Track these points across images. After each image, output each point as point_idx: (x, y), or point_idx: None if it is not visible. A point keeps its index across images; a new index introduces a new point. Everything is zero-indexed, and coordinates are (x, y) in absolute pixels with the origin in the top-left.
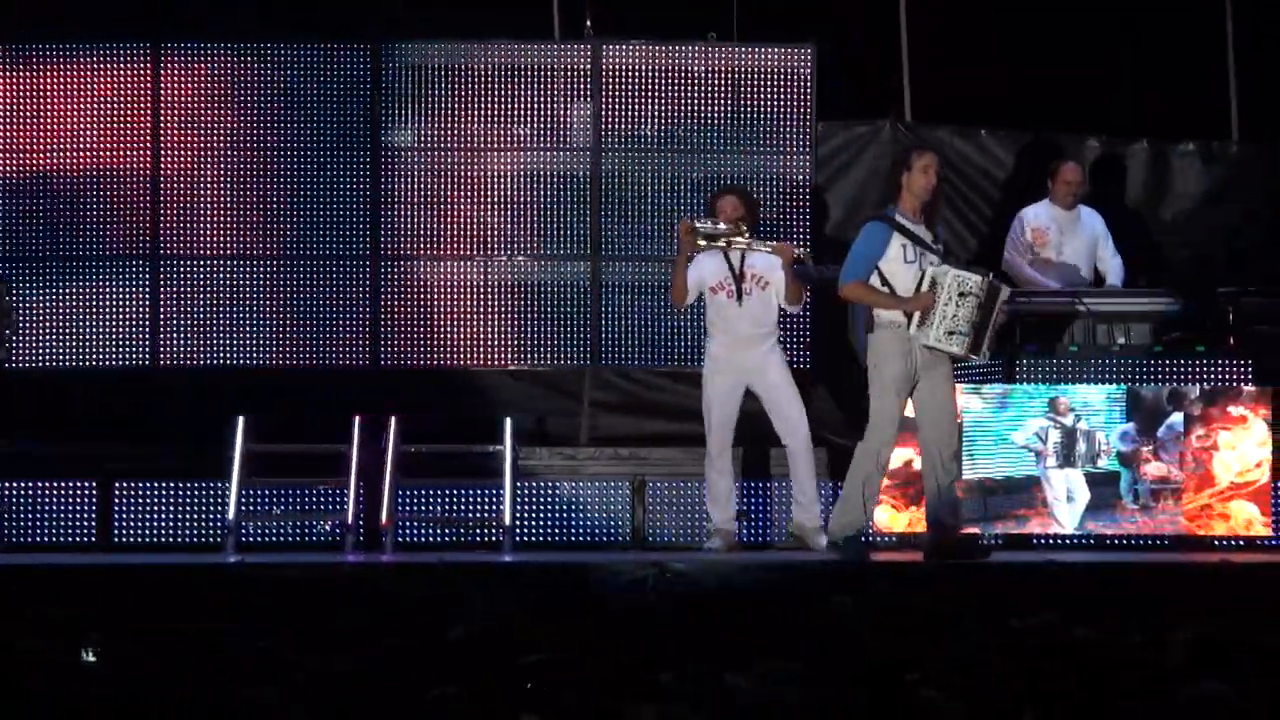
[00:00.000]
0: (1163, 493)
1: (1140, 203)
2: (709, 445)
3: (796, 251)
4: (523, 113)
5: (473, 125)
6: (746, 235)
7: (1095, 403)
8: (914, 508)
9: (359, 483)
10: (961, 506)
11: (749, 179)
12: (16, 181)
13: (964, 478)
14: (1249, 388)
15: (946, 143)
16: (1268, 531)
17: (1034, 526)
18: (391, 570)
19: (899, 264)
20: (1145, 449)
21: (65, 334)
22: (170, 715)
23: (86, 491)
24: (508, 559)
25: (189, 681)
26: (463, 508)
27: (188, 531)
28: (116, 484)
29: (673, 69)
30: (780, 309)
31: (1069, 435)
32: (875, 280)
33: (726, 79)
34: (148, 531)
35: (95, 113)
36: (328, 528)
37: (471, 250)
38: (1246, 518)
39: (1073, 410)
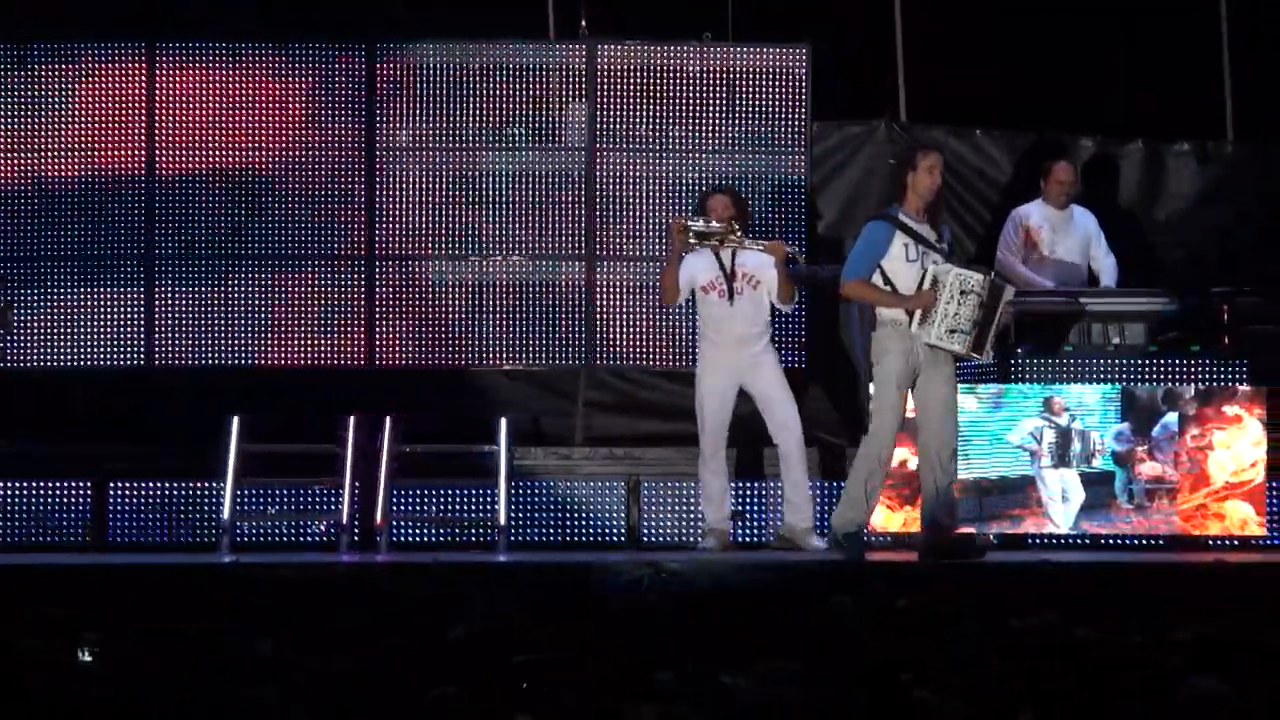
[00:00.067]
0: (1158, 492)
1: (1135, 203)
2: (702, 445)
3: (788, 250)
4: (518, 113)
5: (468, 125)
6: (739, 234)
7: (1090, 402)
8: (909, 507)
9: (354, 483)
10: (957, 507)
11: (744, 179)
12: (11, 182)
13: (959, 478)
14: (1244, 387)
15: (941, 143)
16: (1262, 531)
17: (1029, 526)
18: (386, 570)
19: (901, 262)
20: (1140, 449)
21: (59, 334)
22: (166, 715)
23: (81, 491)
24: (503, 559)
25: (184, 681)
26: (458, 508)
27: (182, 532)
28: (111, 484)
29: (668, 69)
30: (773, 308)
31: (1064, 435)
32: (878, 279)
33: (721, 79)
34: (142, 531)
35: (90, 113)
36: (322, 528)
37: (466, 250)
38: (1241, 517)
39: (1068, 410)
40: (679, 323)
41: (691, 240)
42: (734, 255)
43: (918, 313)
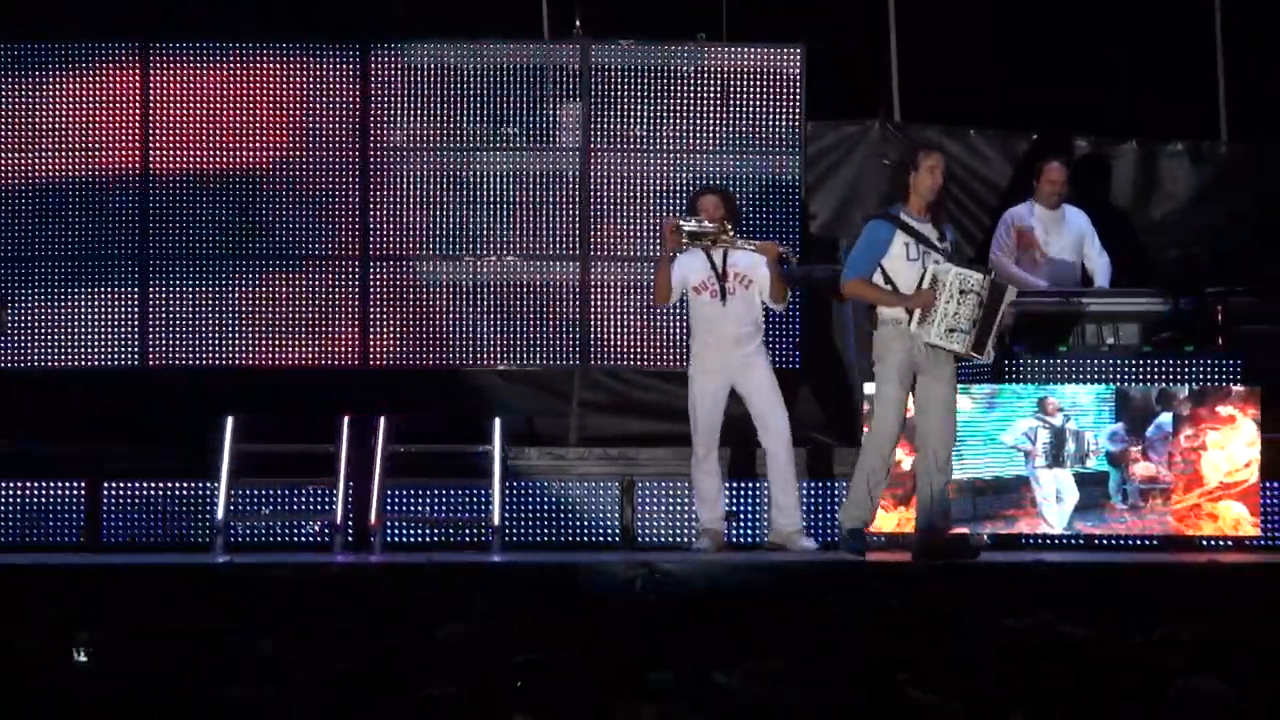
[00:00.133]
0: (1151, 493)
1: (1129, 203)
2: (695, 446)
3: (780, 249)
4: (512, 113)
5: (462, 125)
6: (731, 234)
7: (1084, 403)
8: (903, 508)
9: (348, 483)
10: (951, 507)
11: (738, 179)
12: (6, 182)
13: (953, 478)
14: (1237, 388)
15: (936, 143)
16: (1256, 532)
17: (1023, 527)
18: (381, 571)
19: (902, 261)
20: (1134, 449)
21: (54, 334)
22: (161, 715)
23: (75, 491)
24: (497, 559)
25: (179, 681)
26: (452, 508)
27: (177, 532)
28: (105, 484)
29: (662, 69)
30: (765, 308)
31: (1058, 435)
32: (878, 278)
33: (716, 79)
34: (137, 531)
35: (85, 113)
36: (317, 528)
37: (461, 250)
38: (1235, 518)
39: (1061, 410)
40: (673, 323)
41: (684, 241)
42: (725, 255)
43: (917, 312)
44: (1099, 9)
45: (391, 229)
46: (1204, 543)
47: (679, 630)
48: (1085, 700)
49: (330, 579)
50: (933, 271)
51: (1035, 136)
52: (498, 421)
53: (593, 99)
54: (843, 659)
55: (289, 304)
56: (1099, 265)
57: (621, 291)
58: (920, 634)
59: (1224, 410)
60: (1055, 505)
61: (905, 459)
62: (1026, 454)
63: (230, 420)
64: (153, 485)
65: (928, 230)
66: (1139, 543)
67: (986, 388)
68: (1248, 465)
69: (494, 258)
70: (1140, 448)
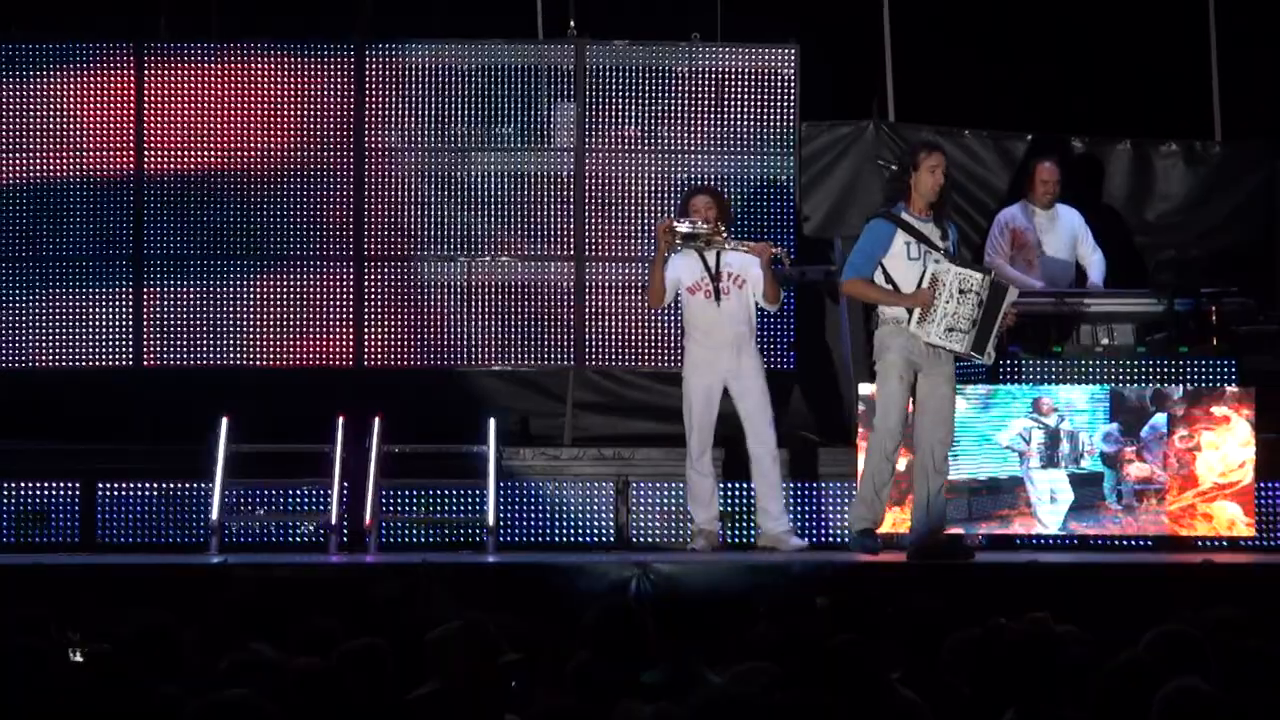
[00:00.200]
0: (1146, 493)
1: (1123, 203)
2: (690, 446)
3: (774, 250)
4: (506, 113)
5: (457, 125)
6: (725, 235)
7: (1079, 403)
8: (898, 508)
9: (342, 483)
10: (947, 508)
11: (732, 179)
12: (1, 182)
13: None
14: (1232, 388)
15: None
16: (1251, 532)
17: (1017, 527)
18: (375, 571)
19: (902, 261)
20: (1128, 449)
21: (49, 335)
22: (155, 714)
23: (69, 491)
24: (491, 559)
25: (172, 681)
26: (446, 508)
27: (171, 532)
28: (99, 484)
29: (656, 69)
30: (758, 307)
31: (1052, 436)
32: (879, 277)
33: (710, 79)
34: (131, 532)
35: (79, 113)
36: (311, 528)
37: (455, 250)
38: (1229, 518)
39: (1056, 411)
40: (668, 323)
41: (677, 242)
42: (719, 255)
43: (917, 311)
44: (1093, 9)
45: (386, 229)
46: (1199, 543)
47: (675, 631)
48: (1077, 701)
49: (325, 579)
50: (933, 271)
51: (1029, 137)
52: (492, 422)
53: (587, 99)
54: (836, 659)
55: (284, 304)
56: (1093, 261)
57: (616, 292)
58: (914, 634)
59: (1218, 411)
60: (1050, 506)
61: (900, 460)
62: (1021, 454)
63: (225, 420)
64: (148, 485)
65: (929, 230)
66: (1134, 543)
67: (981, 388)
68: (1242, 466)
69: (489, 258)
70: (1135, 448)
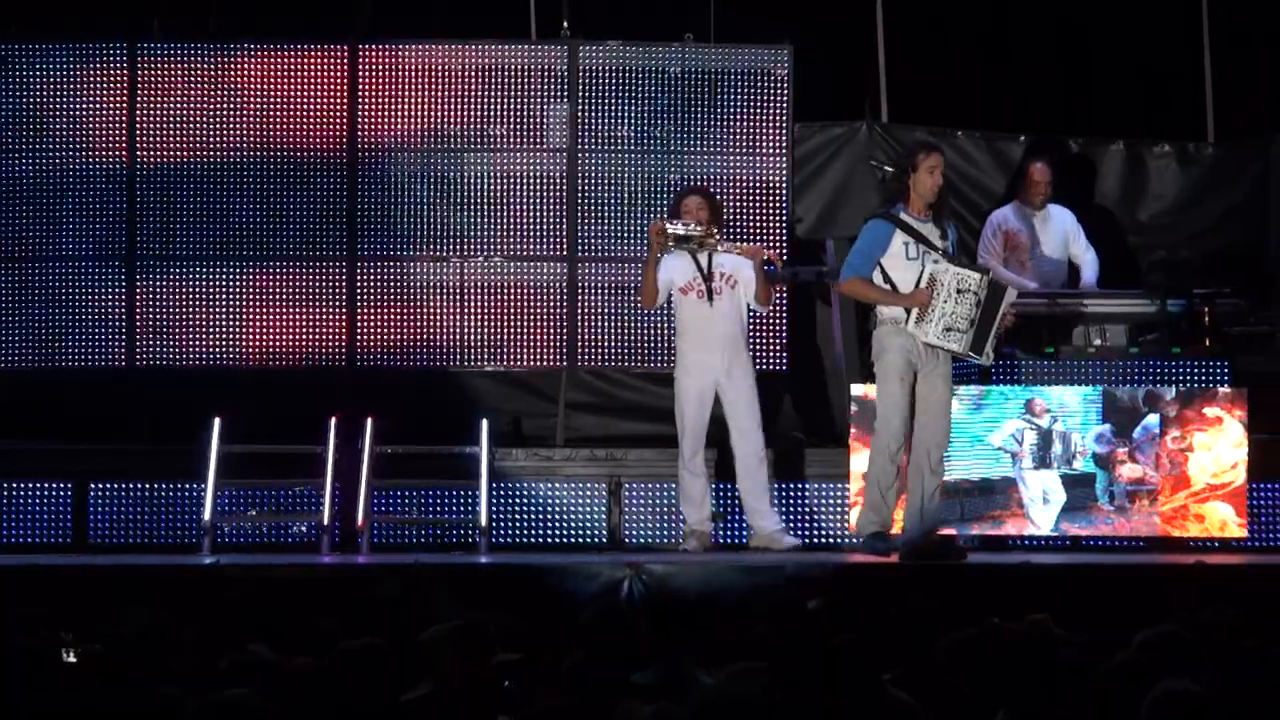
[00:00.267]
0: (1138, 494)
1: (1116, 204)
2: (682, 447)
3: (766, 253)
4: (499, 113)
5: (450, 126)
6: (717, 237)
7: (1071, 404)
8: None
9: (335, 483)
10: (940, 508)
11: (725, 180)
12: None
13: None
14: (1224, 389)
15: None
16: (1243, 533)
17: (1010, 528)
18: (367, 571)
19: (900, 261)
20: (1121, 450)
21: (41, 335)
22: (148, 714)
23: (62, 492)
24: (484, 560)
25: (166, 681)
26: (439, 509)
27: (164, 532)
28: (92, 484)
29: (649, 70)
30: (748, 308)
31: (1045, 437)
32: (878, 277)
33: (703, 80)
34: (123, 532)
35: (73, 113)
36: (303, 529)
37: (448, 251)
38: (1221, 519)
39: (1049, 412)
40: (660, 324)
41: (670, 244)
42: (711, 256)
43: (915, 311)
44: (1087, 11)
45: (379, 229)
46: (1191, 544)
47: (668, 632)
48: (1069, 702)
49: (317, 580)
50: (931, 271)
51: (1022, 138)
52: (485, 422)
53: (580, 100)
54: (829, 660)
55: (276, 304)
56: (1086, 260)
57: (609, 293)
58: (906, 635)
59: (1211, 412)
60: (1042, 507)
61: None
62: (1014, 455)
63: (217, 420)
64: (140, 486)
65: (928, 230)
66: (1126, 544)
67: (974, 389)
68: (1234, 466)
69: (481, 258)
70: (1127, 449)
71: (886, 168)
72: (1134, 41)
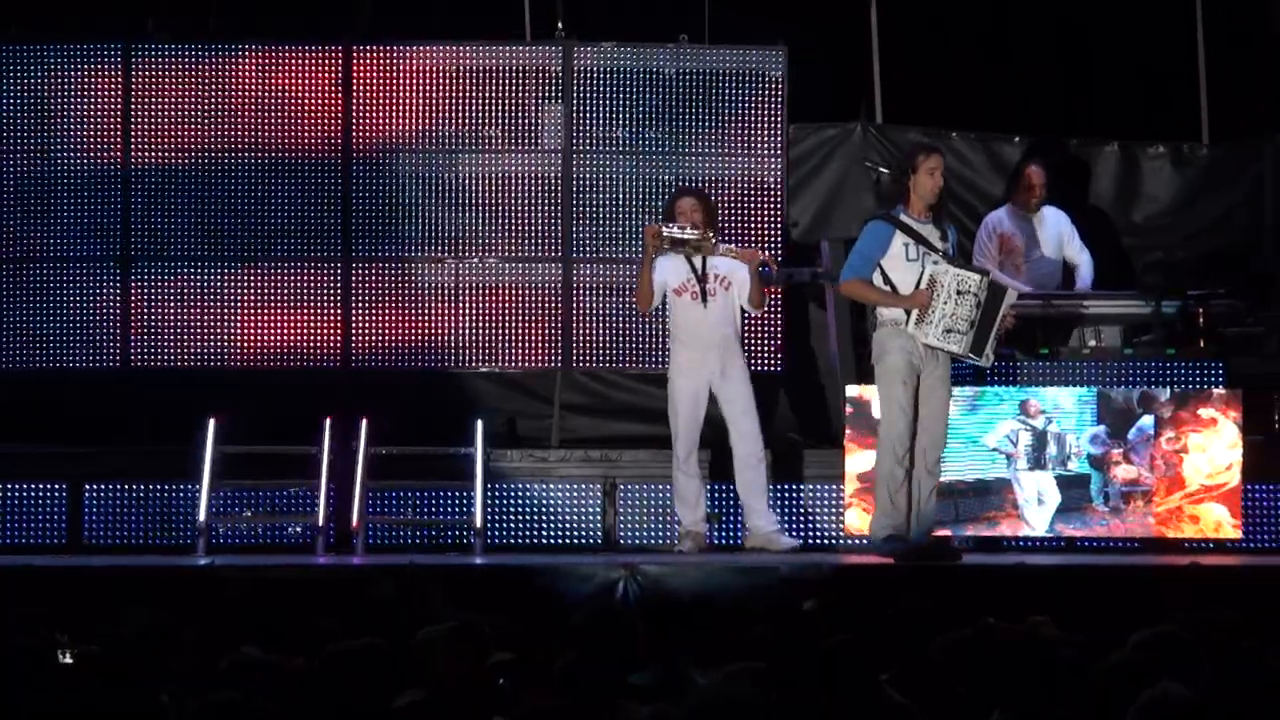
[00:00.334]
0: (1133, 495)
1: (1110, 205)
2: (676, 448)
3: (761, 256)
4: (494, 114)
5: (445, 127)
6: (713, 240)
7: (1066, 405)
8: None
9: (330, 484)
10: (936, 510)
11: (720, 181)
12: None
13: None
14: (1219, 390)
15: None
16: (1237, 534)
17: (1004, 529)
18: (362, 572)
19: (900, 262)
20: (1115, 451)
21: (35, 336)
22: (143, 715)
23: (56, 493)
24: (479, 561)
25: (160, 682)
26: (434, 510)
27: (158, 533)
28: (87, 485)
29: (644, 71)
30: (741, 310)
31: (1039, 438)
32: (877, 278)
33: (698, 81)
34: (118, 533)
35: (67, 114)
36: (299, 529)
37: (443, 252)
38: (1216, 520)
39: (1043, 413)
40: (655, 325)
41: (665, 246)
42: (705, 258)
43: (915, 312)
44: (1082, 11)
45: (374, 230)
46: (1186, 545)
47: (661, 632)
48: (1064, 703)
49: (312, 580)
50: (930, 272)
51: (1016, 139)
52: (479, 423)
53: (575, 101)
54: (824, 661)
55: (271, 305)
56: (1081, 261)
57: (603, 293)
58: (901, 636)
59: (1206, 413)
60: (1037, 508)
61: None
62: (1008, 456)
63: (212, 421)
64: (134, 486)
65: (928, 231)
66: (1121, 545)
67: (968, 390)
68: (1229, 468)
69: (476, 259)
70: (1122, 450)
71: (881, 169)
72: (1129, 42)
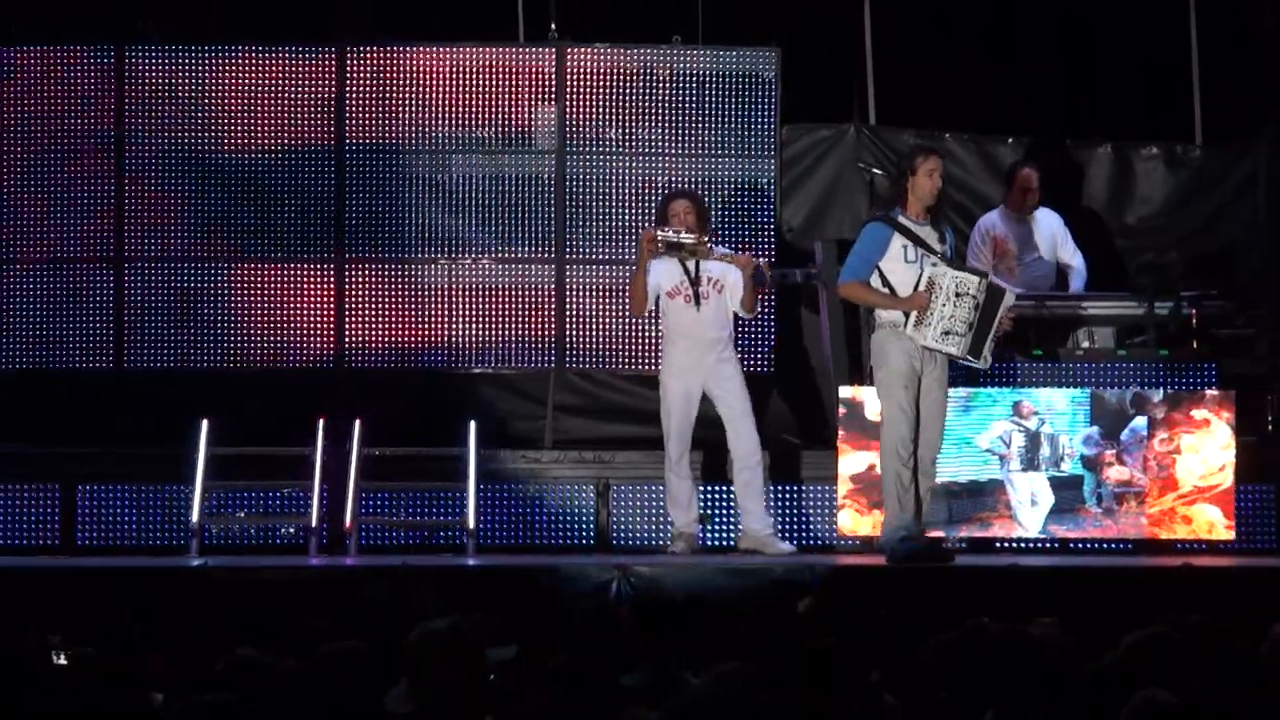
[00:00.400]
0: (1126, 496)
1: (1104, 206)
2: (668, 450)
3: (757, 262)
4: (487, 115)
5: (438, 128)
6: (709, 245)
7: (1059, 406)
8: (878, 511)
9: (323, 485)
10: (930, 512)
11: (713, 182)
12: None
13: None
14: (1212, 391)
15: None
16: (1230, 535)
17: (997, 530)
18: (355, 573)
19: (899, 264)
20: (1109, 453)
21: (28, 336)
22: (138, 716)
23: (49, 494)
24: (472, 562)
25: (155, 683)
26: (427, 510)
27: (152, 534)
28: (80, 486)
29: (637, 72)
30: (734, 313)
31: (1033, 439)
32: (876, 280)
33: (691, 82)
34: (111, 534)
35: (60, 115)
36: (292, 530)
37: (436, 252)
38: (1209, 521)
39: (1036, 414)
40: (648, 327)
41: (661, 250)
42: (698, 261)
43: (913, 314)
44: (1075, 12)
45: (367, 231)
46: (1179, 546)
47: (655, 634)
48: (1056, 703)
49: (306, 581)
50: (929, 274)
51: (1010, 140)
52: (473, 424)
53: (568, 102)
54: (816, 662)
55: (264, 306)
56: (1075, 262)
57: (597, 295)
58: (894, 637)
59: (1199, 414)
60: (1030, 509)
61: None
62: (1001, 458)
63: (205, 422)
64: (128, 488)
65: (926, 233)
66: (1114, 546)
67: (962, 391)
68: (1222, 469)
69: (469, 260)
70: (1115, 451)
71: (875, 171)
72: (1122, 43)
